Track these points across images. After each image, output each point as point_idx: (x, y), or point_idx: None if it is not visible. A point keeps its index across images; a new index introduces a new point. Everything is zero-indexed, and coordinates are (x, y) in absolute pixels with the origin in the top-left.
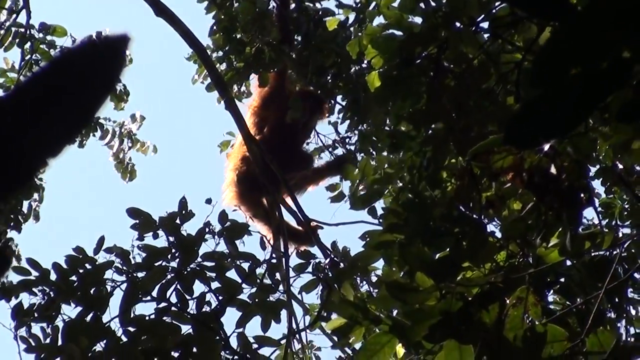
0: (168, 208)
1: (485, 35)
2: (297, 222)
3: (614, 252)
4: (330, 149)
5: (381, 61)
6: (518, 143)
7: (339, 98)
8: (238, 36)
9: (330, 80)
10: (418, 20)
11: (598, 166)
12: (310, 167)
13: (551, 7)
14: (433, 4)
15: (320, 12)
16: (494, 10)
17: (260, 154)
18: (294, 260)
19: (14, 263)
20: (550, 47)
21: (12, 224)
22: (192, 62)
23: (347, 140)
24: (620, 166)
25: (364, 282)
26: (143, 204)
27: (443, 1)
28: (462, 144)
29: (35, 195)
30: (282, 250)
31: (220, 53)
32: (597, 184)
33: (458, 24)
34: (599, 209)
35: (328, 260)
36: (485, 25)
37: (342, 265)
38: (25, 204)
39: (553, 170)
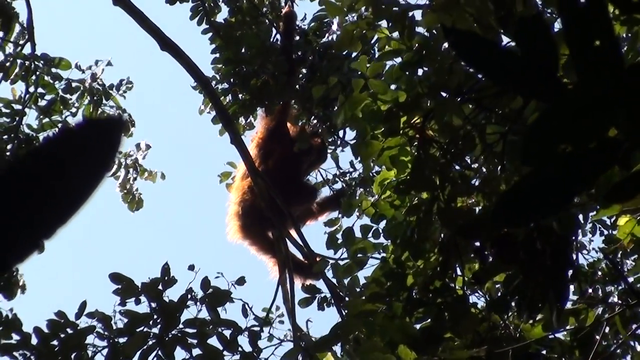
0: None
1: (471, 106)
2: (302, 255)
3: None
4: (330, 184)
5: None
6: (507, 222)
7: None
8: (243, 68)
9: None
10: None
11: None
12: (314, 200)
13: (540, 87)
14: (419, 72)
15: (325, 45)
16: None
17: (266, 188)
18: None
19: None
20: (539, 126)
21: None
22: (197, 92)
23: (347, 174)
24: None
25: None
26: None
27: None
28: (447, 215)
29: None
30: (288, 283)
31: (225, 85)
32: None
33: (443, 94)
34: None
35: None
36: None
37: (347, 299)
38: None
39: (538, 245)
